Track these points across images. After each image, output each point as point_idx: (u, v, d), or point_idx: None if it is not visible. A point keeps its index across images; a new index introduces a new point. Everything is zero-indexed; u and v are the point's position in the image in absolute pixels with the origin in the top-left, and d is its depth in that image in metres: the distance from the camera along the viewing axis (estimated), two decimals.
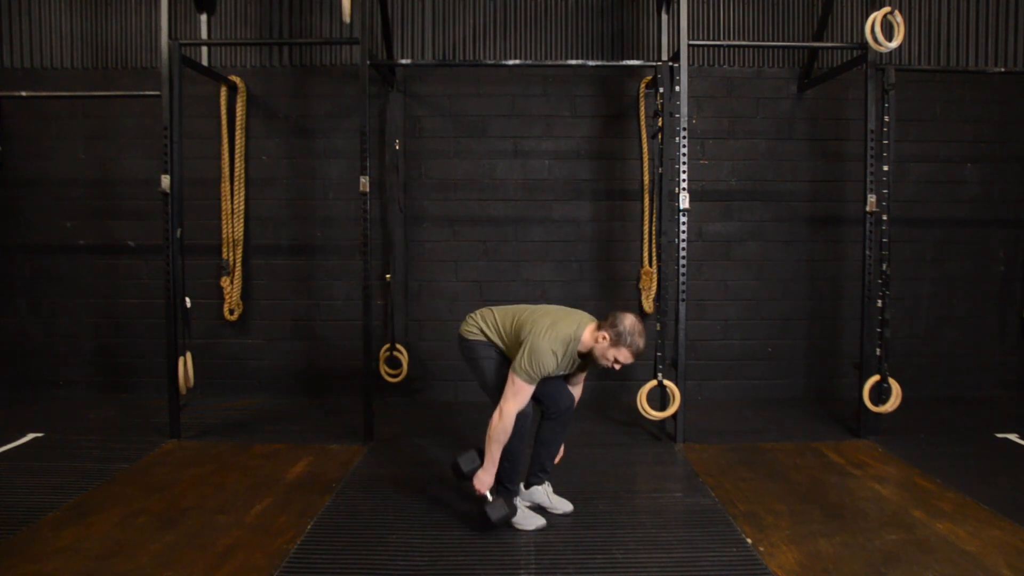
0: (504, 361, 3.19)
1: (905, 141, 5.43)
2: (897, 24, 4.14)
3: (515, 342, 3.09)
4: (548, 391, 3.21)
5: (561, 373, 3.16)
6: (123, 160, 5.53)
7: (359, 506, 3.41)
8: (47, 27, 5.52)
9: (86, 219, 5.56)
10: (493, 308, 3.32)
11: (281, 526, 3.15)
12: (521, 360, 2.97)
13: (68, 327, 5.62)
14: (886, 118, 4.45)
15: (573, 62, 5.29)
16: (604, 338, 3.00)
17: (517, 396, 2.98)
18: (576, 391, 3.37)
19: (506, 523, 3.07)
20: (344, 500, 3.48)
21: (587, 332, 3.06)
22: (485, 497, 3.06)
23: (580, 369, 3.25)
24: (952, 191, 5.62)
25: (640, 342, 2.99)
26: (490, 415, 3.03)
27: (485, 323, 3.25)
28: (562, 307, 3.27)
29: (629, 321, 2.98)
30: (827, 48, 5.43)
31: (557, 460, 3.42)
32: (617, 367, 3.05)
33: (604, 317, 3.09)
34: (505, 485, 3.16)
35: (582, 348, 3.07)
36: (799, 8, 5.55)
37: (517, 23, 5.54)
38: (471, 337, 3.27)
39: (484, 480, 3.04)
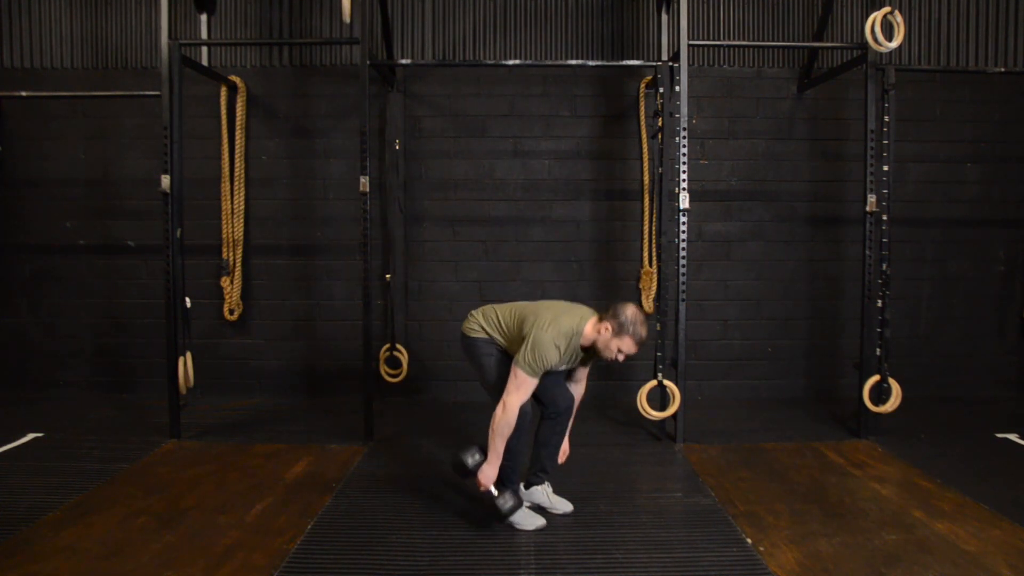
0: (506, 358, 3.19)
1: (905, 141, 5.42)
2: (897, 24, 4.14)
3: (517, 337, 3.10)
4: (548, 391, 3.21)
5: (563, 367, 3.16)
6: (123, 160, 5.53)
7: (359, 506, 3.41)
8: (47, 27, 5.52)
9: (86, 219, 5.56)
10: (495, 305, 3.33)
11: (281, 526, 3.15)
12: (524, 353, 2.97)
13: (68, 327, 5.62)
14: (886, 118, 4.45)
15: (573, 62, 5.29)
16: (607, 329, 3.01)
17: (520, 389, 2.98)
18: (578, 389, 3.37)
19: (514, 514, 3.07)
20: (344, 500, 3.48)
21: (589, 325, 3.07)
22: (490, 492, 3.06)
23: (582, 364, 3.25)
24: (952, 191, 5.62)
25: (643, 331, 3.00)
26: (490, 414, 3.03)
27: (487, 320, 3.26)
28: (564, 302, 3.27)
29: (631, 311, 2.99)
30: (827, 48, 5.43)
31: (563, 459, 3.42)
32: (621, 358, 3.05)
33: (605, 310, 3.10)
34: (505, 484, 3.16)
35: (584, 341, 3.08)
36: (799, 8, 5.55)
37: (517, 23, 5.54)
38: (473, 335, 3.27)
39: (488, 474, 3.04)
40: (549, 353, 2.97)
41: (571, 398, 3.30)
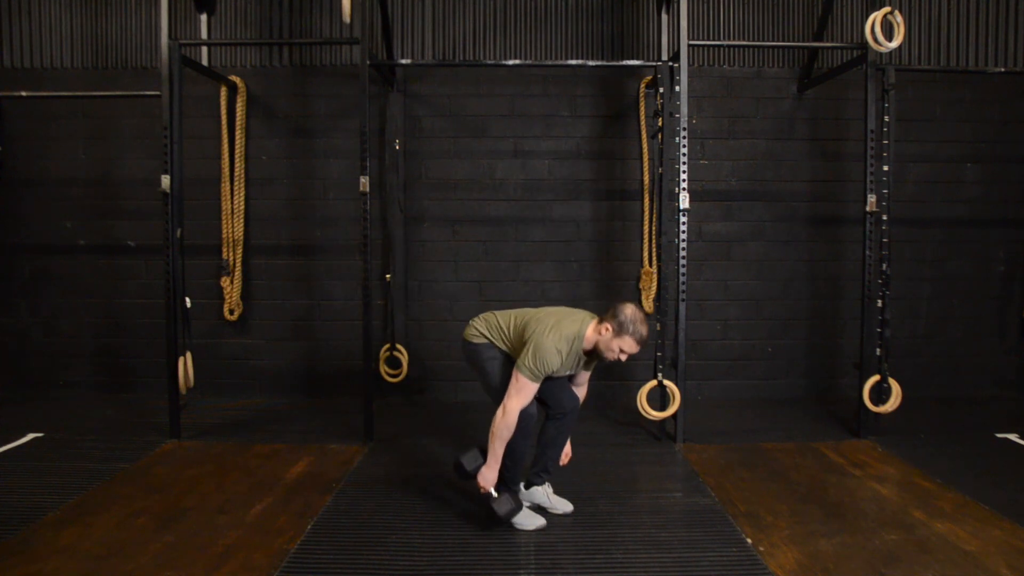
0: (508, 362, 3.19)
1: (905, 141, 5.42)
2: (897, 24, 4.14)
3: (519, 342, 3.10)
4: (553, 392, 3.21)
5: (565, 373, 3.16)
6: (123, 160, 5.53)
7: (359, 506, 3.41)
8: (47, 27, 5.52)
9: (86, 219, 5.56)
10: (496, 312, 3.33)
11: (281, 526, 3.15)
12: (525, 358, 2.98)
13: (68, 327, 5.62)
14: (886, 118, 4.45)
15: (573, 62, 5.29)
16: (607, 330, 3.01)
17: (521, 393, 2.99)
18: (581, 392, 3.37)
19: (512, 517, 3.08)
20: (344, 500, 3.48)
21: (590, 328, 3.07)
22: (490, 494, 3.07)
23: (585, 367, 3.26)
24: (952, 191, 5.62)
25: (643, 329, 2.99)
26: (491, 416, 3.03)
27: (488, 326, 3.26)
28: (565, 307, 3.28)
29: (630, 310, 3.00)
30: (827, 48, 5.43)
31: (565, 461, 3.42)
32: (623, 358, 3.05)
33: (605, 311, 3.10)
34: (507, 484, 3.17)
35: (587, 345, 3.08)
36: (799, 8, 5.55)
37: (517, 23, 5.54)
38: (475, 340, 3.27)
39: (488, 477, 3.05)
40: (551, 358, 2.97)
41: (576, 398, 3.30)
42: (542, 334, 3.00)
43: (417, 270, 5.58)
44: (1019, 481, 3.72)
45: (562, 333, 3.02)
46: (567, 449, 3.41)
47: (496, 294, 5.50)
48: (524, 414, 3.05)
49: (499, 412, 3.00)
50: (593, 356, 3.15)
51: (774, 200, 5.59)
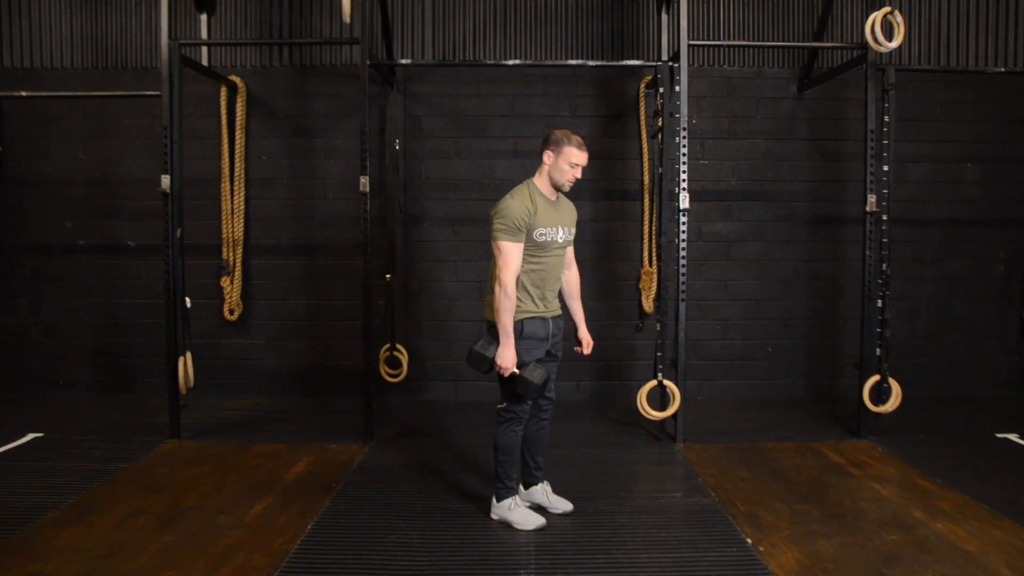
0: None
1: (905, 141, 5.42)
2: (897, 24, 4.14)
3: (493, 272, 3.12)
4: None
5: (549, 228, 3.08)
6: (123, 160, 5.54)
7: (359, 506, 3.41)
8: (47, 27, 5.52)
9: (86, 219, 5.56)
10: None
11: (281, 526, 3.15)
12: (495, 225, 3.02)
13: (68, 327, 5.62)
14: (886, 118, 4.45)
15: (573, 62, 5.29)
16: (549, 156, 3.08)
17: (507, 259, 2.99)
18: (571, 273, 3.37)
19: (545, 382, 3.02)
20: (344, 500, 3.48)
21: (535, 176, 3.15)
22: (514, 373, 3.01)
23: (563, 222, 3.18)
24: (952, 191, 5.62)
25: (577, 137, 3.07)
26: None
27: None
28: None
29: (557, 130, 3.09)
30: (827, 48, 5.43)
31: (589, 350, 3.36)
32: (578, 174, 3.10)
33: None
34: (504, 482, 3.16)
35: (543, 187, 3.12)
36: (799, 8, 5.55)
37: (517, 23, 5.54)
38: (490, 318, 3.21)
39: (507, 356, 3.00)
40: (516, 209, 3.00)
41: (551, 400, 3.28)
42: (499, 203, 3.06)
43: (417, 270, 5.58)
44: (1019, 481, 3.72)
45: (514, 193, 3.09)
46: (588, 338, 3.37)
47: None
48: (514, 419, 3.08)
49: (496, 289, 3.00)
50: (560, 200, 3.18)
51: (774, 200, 5.59)
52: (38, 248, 5.58)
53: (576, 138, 3.07)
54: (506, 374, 3.02)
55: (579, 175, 3.12)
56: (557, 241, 3.13)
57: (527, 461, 3.32)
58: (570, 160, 3.06)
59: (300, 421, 4.94)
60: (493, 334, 3.07)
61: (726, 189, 5.57)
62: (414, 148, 5.54)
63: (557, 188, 3.14)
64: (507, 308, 2.98)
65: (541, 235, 3.06)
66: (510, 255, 3.00)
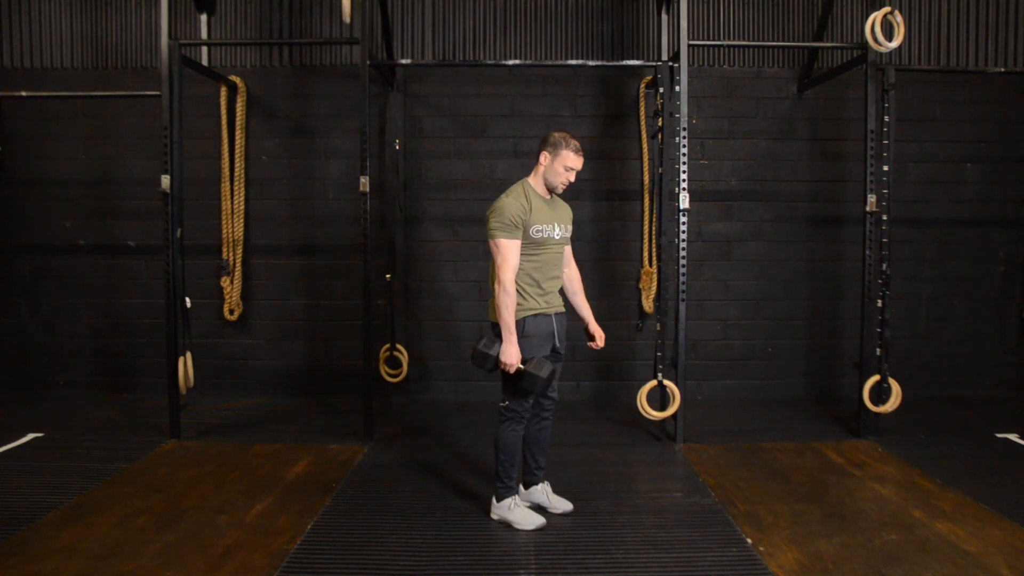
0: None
1: (905, 141, 5.42)
2: (897, 24, 4.14)
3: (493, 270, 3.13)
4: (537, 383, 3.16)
5: (546, 229, 3.09)
6: (123, 160, 5.54)
7: (359, 506, 3.41)
8: (47, 27, 5.52)
9: (86, 219, 5.56)
10: None
11: (281, 526, 3.15)
12: (491, 223, 3.03)
13: (68, 327, 5.62)
14: (886, 118, 4.45)
15: (573, 62, 5.29)
16: (545, 158, 3.10)
17: (505, 256, 3.01)
18: (571, 269, 3.38)
19: (550, 376, 3.02)
20: (344, 500, 3.48)
21: (531, 176, 3.17)
22: (519, 369, 3.01)
23: (559, 220, 3.19)
24: (952, 191, 5.62)
25: (574, 142, 3.09)
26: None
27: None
28: None
29: (556, 133, 3.11)
30: (827, 48, 5.43)
31: (601, 343, 3.36)
32: (572, 178, 3.12)
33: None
34: (504, 481, 3.16)
35: (537, 187, 3.14)
36: (799, 8, 5.55)
37: (517, 23, 5.54)
38: (493, 319, 3.23)
39: (511, 352, 3.00)
40: (511, 207, 3.02)
41: (555, 400, 3.28)
42: (495, 203, 3.07)
43: (417, 270, 5.58)
44: (1019, 481, 3.72)
45: (510, 192, 3.11)
46: (599, 331, 3.38)
47: None
48: (514, 421, 3.08)
49: (497, 288, 3.02)
50: (555, 199, 3.19)
51: (774, 200, 5.59)
52: (38, 248, 5.58)
53: (574, 142, 3.09)
54: (511, 371, 3.02)
55: (573, 179, 3.14)
56: (554, 238, 3.14)
57: (528, 461, 3.32)
58: (566, 163, 3.08)
59: (300, 421, 4.94)
60: (496, 333, 3.08)
61: (726, 189, 5.58)
62: (414, 148, 5.54)
63: (551, 190, 3.16)
64: (507, 305, 2.99)
65: (537, 232, 3.07)
66: (508, 252, 3.02)
